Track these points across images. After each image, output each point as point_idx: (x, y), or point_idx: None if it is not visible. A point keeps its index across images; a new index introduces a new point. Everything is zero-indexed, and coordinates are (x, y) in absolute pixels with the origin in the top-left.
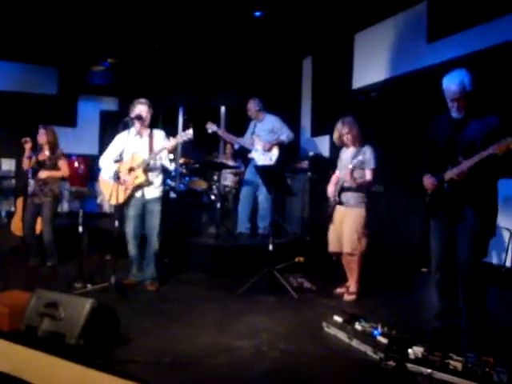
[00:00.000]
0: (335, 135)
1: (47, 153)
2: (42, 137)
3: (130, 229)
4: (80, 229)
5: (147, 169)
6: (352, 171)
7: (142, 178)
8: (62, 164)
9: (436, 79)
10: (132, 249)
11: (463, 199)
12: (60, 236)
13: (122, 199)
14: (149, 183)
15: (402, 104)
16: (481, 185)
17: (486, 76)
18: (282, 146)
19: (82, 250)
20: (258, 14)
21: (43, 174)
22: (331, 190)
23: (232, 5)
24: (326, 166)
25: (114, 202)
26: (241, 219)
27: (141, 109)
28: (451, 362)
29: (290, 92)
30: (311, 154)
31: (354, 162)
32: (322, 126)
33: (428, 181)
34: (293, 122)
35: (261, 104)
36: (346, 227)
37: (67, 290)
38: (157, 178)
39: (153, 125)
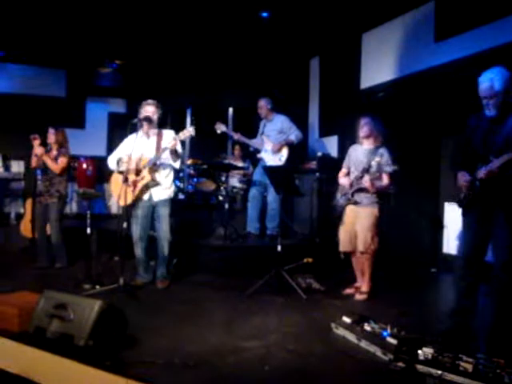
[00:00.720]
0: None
1: (55, 152)
2: (51, 137)
3: (136, 230)
4: (88, 230)
5: (153, 169)
6: (372, 180)
7: (147, 178)
8: (61, 160)
9: (443, 79)
10: (138, 250)
11: (493, 200)
12: (68, 237)
13: (129, 200)
14: (155, 183)
15: (410, 104)
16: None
17: None
18: (291, 146)
19: (90, 251)
20: (265, 14)
21: (39, 150)
22: (345, 182)
23: (239, 5)
24: (334, 166)
25: (122, 203)
26: (250, 219)
27: (148, 110)
28: (461, 363)
29: (298, 93)
30: (319, 154)
31: (375, 165)
32: (329, 127)
33: (461, 178)
34: (301, 123)
35: (272, 103)
36: (359, 226)
37: (76, 291)
38: (165, 179)
39: (161, 126)
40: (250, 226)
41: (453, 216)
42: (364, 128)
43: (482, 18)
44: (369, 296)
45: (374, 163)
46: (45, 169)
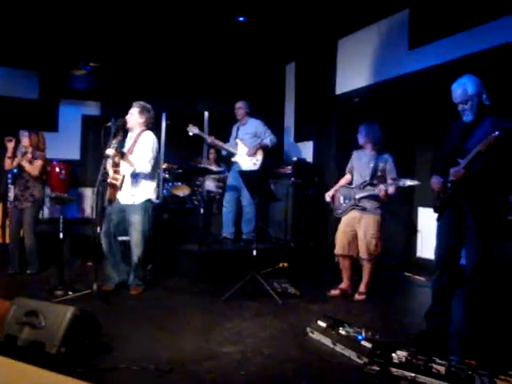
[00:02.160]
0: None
1: (29, 156)
2: (25, 140)
3: (103, 226)
4: (61, 235)
5: (115, 170)
6: (386, 191)
7: (112, 178)
8: (36, 163)
9: (418, 85)
10: (104, 248)
11: (464, 201)
12: (41, 242)
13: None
14: (120, 184)
15: (384, 110)
16: (482, 187)
17: None
18: (265, 150)
19: (63, 256)
20: (241, 19)
21: (10, 144)
22: (330, 194)
23: (216, 9)
24: (309, 171)
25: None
26: (225, 224)
27: (130, 111)
28: (434, 365)
29: (274, 98)
30: (295, 159)
31: (373, 170)
32: (305, 132)
33: (434, 181)
34: (276, 128)
35: (250, 107)
36: (362, 233)
37: (48, 298)
38: (135, 184)
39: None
40: (225, 231)
41: (427, 220)
42: (359, 136)
43: (456, 26)
44: (366, 296)
45: (378, 170)
46: (19, 172)
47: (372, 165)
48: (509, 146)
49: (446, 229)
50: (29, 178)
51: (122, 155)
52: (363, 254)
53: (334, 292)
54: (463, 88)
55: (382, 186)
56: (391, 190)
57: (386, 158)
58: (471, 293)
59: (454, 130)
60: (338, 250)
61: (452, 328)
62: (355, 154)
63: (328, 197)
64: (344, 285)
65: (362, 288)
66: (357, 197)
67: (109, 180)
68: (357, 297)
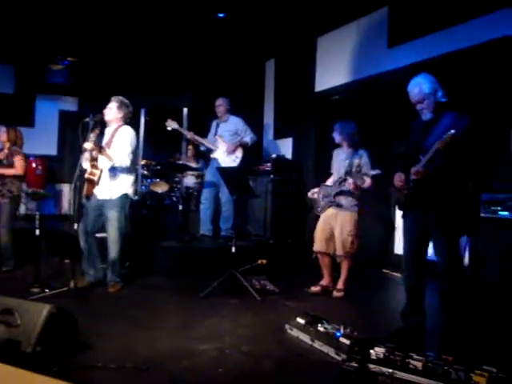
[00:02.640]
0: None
1: (6, 151)
2: (3, 135)
3: (81, 222)
4: (37, 232)
5: (92, 164)
6: (355, 183)
7: (90, 173)
8: (18, 162)
9: (396, 84)
10: (81, 244)
11: (427, 199)
12: (17, 239)
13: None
14: (97, 180)
15: (363, 107)
16: (443, 185)
17: (445, 81)
18: (245, 147)
19: (39, 253)
20: (221, 15)
21: None
22: (312, 192)
23: (195, 5)
24: (288, 168)
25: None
26: (203, 221)
27: (108, 106)
28: (412, 361)
29: (253, 94)
30: (274, 156)
31: (348, 166)
32: (284, 129)
33: (396, 179)
34: (256, 124)
35: (230, 104)
36: (338, 230)
37: (24, 296)
38: (112, 179)
39: None
40: (203, 228)
41: None
42: (334, 135)
43: (434, 25)
44: (345, 293)
45: (353, 167)
46: None
47: (347, 161)
48: (468, 143)
49: (412, 227)
50: (6, 174)
51: (101, 149)
52: (339, 251)
53: (315, 289)
54: (419, 87)
55: (349, 180)
56: (360, 182)
57: (361, 153)
58: (446, 291)
59: (414, 128)
60: (316, 247)
61: (428, 323)
62: (334, 153)
63: (310, 194)
64: (325, 281)
65: (339, 285)
66: (332, 193)
67: (86, 175)
68: (335, 294)
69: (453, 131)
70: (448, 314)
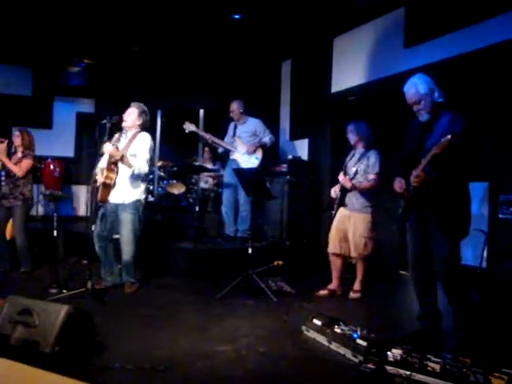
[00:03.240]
0: None
1: (20, 155)
2: (17, 139)
3: (95, 229)
4: (55, 233)
5: (110, 168)
6: (350, 179)
7: (106, 177)
8: (23, 163)
9: None
10: (97, 250)
11: (426, 202)
12: (35, 240)
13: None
14: (113, 184)
15: (379, 108)
16: (443, 188)
17: (462, 81)
18: (263, 148)
19: (57, 254)
20: (237, 16)
21: (2, 145)
22: (334, 189)
23: (211, 7)
24: (304, 169)
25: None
26: (228, 223)
27: (127, 111)
28: (429, 363)
29: (269, 95)
30: (290, 157)
31: (357, 167)
32: (300, 130)
33: (396, 184)
34: (272, 125)
35: (244, 106)
36: (351, 232)
37: (42, 297)
38: (126, 184)
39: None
40: (228, 229)
41: None
42: (350, 136)
43: (451, 25)
44: (361, 294)
45: (360, 167)
46: (8, 170)
47: (357, 163)
48: (465, 142)
49: (414, 232)
50: (18, 176)
51: (122, 157)
52: (353, 253)
53: (323, 292)
54: (415, 88)
55: (341, 175)
56: (366, 181)
57: (369, 155)
58: (448, 293)
59: (412, 129)
60: (330, 249)
61: (443, 326)
62: (349, 154)
63: (333, 193)
64: (333, 285)
65: (356, 286)
66: (339, 195)
67: (102, 179)
68: (351, 295)
69: (449, 136)
70: (458, 314)
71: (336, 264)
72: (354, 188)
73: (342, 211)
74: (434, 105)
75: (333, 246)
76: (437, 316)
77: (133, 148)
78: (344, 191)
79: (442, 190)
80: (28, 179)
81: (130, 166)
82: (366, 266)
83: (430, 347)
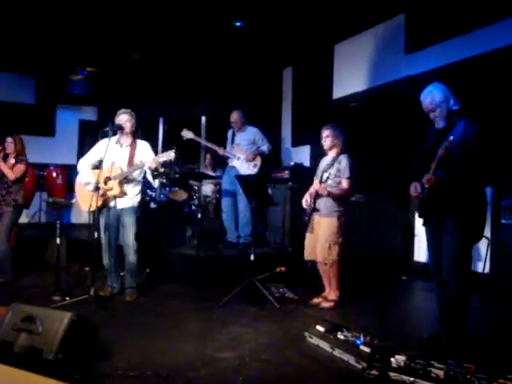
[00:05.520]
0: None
1: (13, 161)
2: (10, 145)
3: (104, 239)
4: (58, 240)
5: (123, 182)
6: (321, 182)
7: (116, 191)
8: (17, 168)
9: (413, 90)
10: (105, 260)
11: (442, 206)
12: (38, 247)
13: (94, 206)
14: (123, 194)
15: (381, 114)
16: (457, 192)
17: (462, 86)
18: (262, 156)
19: (59, 261)
20: (238, 24)
21: None
22: (305, 197)
23: (212, 15)
24: (306, 175)
25: (85, 208)
26: (229, 229)
27: (121, 118)
28: (433, 369)
29: (271, 102)
30: (292, 163)
31: (328, 171)
32: (302, 136)
33: (411, 188)
34: (273, 132)
35: (245, 116)
36: (319, 236)
37: (45, 304)
38: (132, 189)
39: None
40: (230, 236)
41: None
42: (327, 141)
43: (451, 30)
44: (336, 304)
45: (331, 170)
46: (1, 177)
47: (329, 167)
48: (480, 151)
49: (432, 236)
50: (11, 183)
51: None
52: (319, 258)
53: (317, 300)
54: (431, 96)
55: (315, 181)
56: (340, 187)
57: (341, 158)
58: (447, 293)
59: (428, 136)
60: (305, 256)
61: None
62: (321, 160)
63: (304, 203)
64: (326, 292)
65: (330, 295)
66: (312, 200)
67: (104, 186)
68: (323, 304)
69: (451, 137)
70: (451, 317)
71: (321, 270)
72: (328, 195)
73: (314, 217)
74: (449, 112)
75: (307, 253)
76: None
77: (138, 157)
78: (316, 198)
79: (456, 192)
80: (21, 185)
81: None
82: (338, 271)
83: (437, 353)
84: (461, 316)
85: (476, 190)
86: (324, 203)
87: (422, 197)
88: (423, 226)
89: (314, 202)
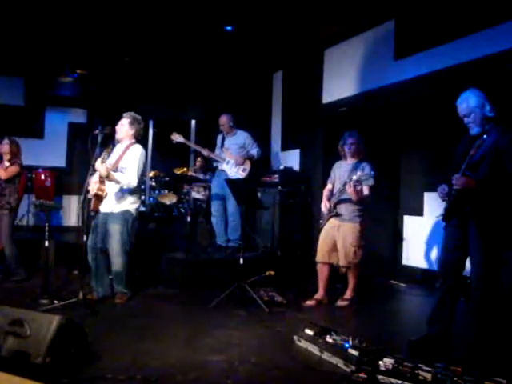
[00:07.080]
0: (339, 145)
1: (7, 164)
2: (5, 147)
3: (88, 240)
4: (46, 243)
5: (103, 180)
6: (355, 186)
7: (97, 189)
8: (9, 168)
9: (403, 96)
10: (89, 261)
11: (469, 210)
12: (25, 250)
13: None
14: (105, 195)
15: (370, 119)
16: (486, 196)
17: (450, 93)
18: (251, 160)
19: (48, 264)
20: (228, 28)
21: None
22: (324, 202)
23: (203, 19)
24: (296, 179)
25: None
26: (219, 233)
27: (120, 122)
28: (421, 372)
29: (261, 106)
30: (281, 167)
31: (357, 175)
32: (292, 140)
33: (439, 190)
34: (263, 136)
35: (234, 119)
36: (340, 241)
37: (33, 307)
38: (116, 193)
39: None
40: (219, 239)
41: (412, 229)
42: (352, 147)
43: (441, 37)
44: (350, 303)
45: (354, 177)
46: None
47: (348, 174)
48: None
49: (451, 237)
50: (5, 185)
51: (108, 176)
52: (342, 262)
53: (310, 302)
54: (466, 102)
55: (347, 184)
56: (359, 187)
57: (363, 165)
58: (474, 302)
59: (463, 141)
60: (318, 258)
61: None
62: (336, 164)
63: (324, 207)
64: (319, 295)
65: (346, 294)
66: (332, 204)
67: (95, 191)
68: (339, 303)
69: (485, 136)
70: (477, 325)
71: (323, 273)
72: (359, 200)
73: (331, 221)
74: (484, 119)
75: (321, 255)
76: (446, 323)
77: (124, 161)
78: (338, 201)
79: (484, 197)
80: (15, 188)
81: (117, 182)
82: (358, 273)
83: (434, 354)
84: (484, 328)
85: (504, 197)
86: (345, 208)
87: (449, 198)
88: (444, 230)
89: (335, 207)
